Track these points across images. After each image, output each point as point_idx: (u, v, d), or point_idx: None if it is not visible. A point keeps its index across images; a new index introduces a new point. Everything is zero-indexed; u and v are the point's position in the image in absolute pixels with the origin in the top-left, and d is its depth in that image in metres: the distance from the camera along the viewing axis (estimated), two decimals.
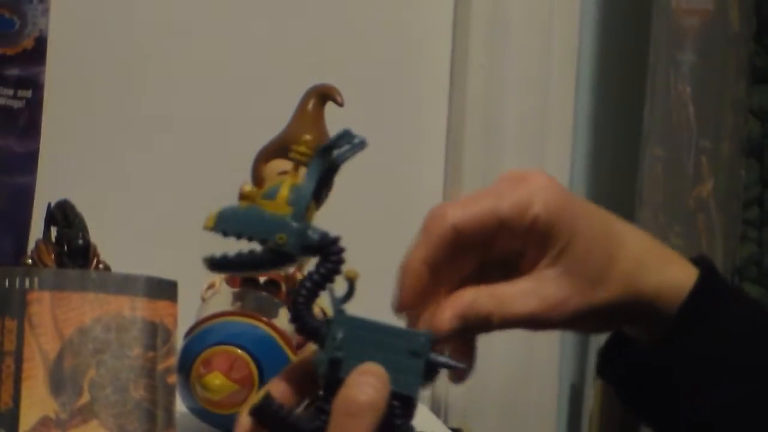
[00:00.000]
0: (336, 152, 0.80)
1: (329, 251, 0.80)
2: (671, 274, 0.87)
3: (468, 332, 0.82)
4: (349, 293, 0.79)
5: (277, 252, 0.81)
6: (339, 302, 0.80)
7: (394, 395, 0.79)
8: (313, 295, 0.80)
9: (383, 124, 1.61)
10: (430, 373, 0.81)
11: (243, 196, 0.84)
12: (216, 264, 0.82)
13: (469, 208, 0.81)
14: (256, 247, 0.83)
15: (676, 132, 1.50)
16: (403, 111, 1.64)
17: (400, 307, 0.82)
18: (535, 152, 1.59)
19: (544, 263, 0.83)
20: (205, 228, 0.83)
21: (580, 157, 1.66)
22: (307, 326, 0.80)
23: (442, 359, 0.81)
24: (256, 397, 0.81)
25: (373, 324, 0.81)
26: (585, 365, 1.65)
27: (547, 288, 0.83)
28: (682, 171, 1.48)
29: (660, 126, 1.53)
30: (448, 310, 0.81)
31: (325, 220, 0.88)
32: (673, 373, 0.89)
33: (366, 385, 0.78)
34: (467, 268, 0.83)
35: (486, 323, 0.81)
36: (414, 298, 0.82)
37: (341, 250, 0.80)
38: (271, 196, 0.80)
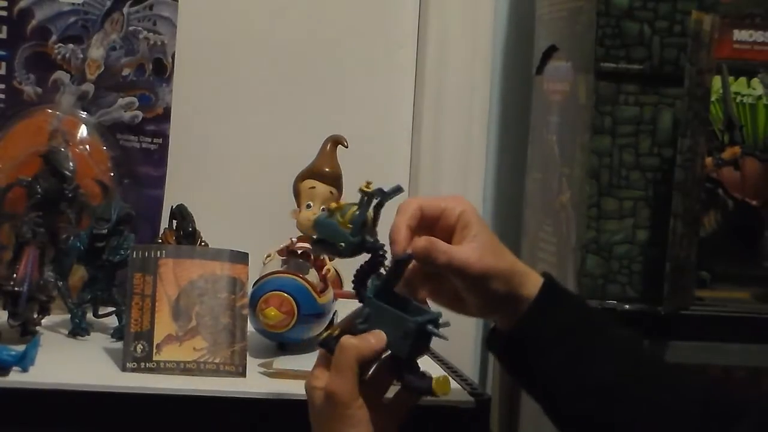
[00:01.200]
0: (379, 199, 1.07)
1: (376, 254, 1.07)
2: (533, 276, 1.10)
3: (427, 260, 1.05)
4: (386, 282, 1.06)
5: (336, 248, 1.08)
6: (373, 290, 1.06)
7: (392, 356, 1.05)
8: (364, 278, 1.07)
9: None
10: (418, 344, 1.04)
11: (329, 212, 1.10)
12: (312, 243, 1.13)
13: (427, 199, 1.10)
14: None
15: (547, 163, 1.70)
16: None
17: (398, 249, 1.06)
18: (464, 177, 1.85)
19: (467, 240, 1.08)
20: (309, 228, 1.16)
21: (490, 177, 1.90)
22: (360, 295, 1.06)
23: (428, 331, 1.05)
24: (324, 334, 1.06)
25: (388, 309, 1.04)
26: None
27: (472, 250, 1.08)
28: (551, 186, 1.66)
29: (538, 159, 1.76)
30: (421, 240, 1.06)
31: None
32: (526, 343, 1.09)
33: (370, 334, 1.06)
34: (422, 233, 1.08)
35: (437, 257, 1.05)
36: (404, 243, 1.06)
37: (384, 253, 1.06)
38: (343, 214, 1.08)
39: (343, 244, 1.07)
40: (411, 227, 1.07)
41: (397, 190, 1.07)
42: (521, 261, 1.11)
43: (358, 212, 1.06)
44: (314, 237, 1.11)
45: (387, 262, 1.07)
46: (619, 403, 1.07)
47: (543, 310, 1.09)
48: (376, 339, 1.05)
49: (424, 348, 1.06)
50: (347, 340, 1.04)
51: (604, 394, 1.07)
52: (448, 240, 1.08)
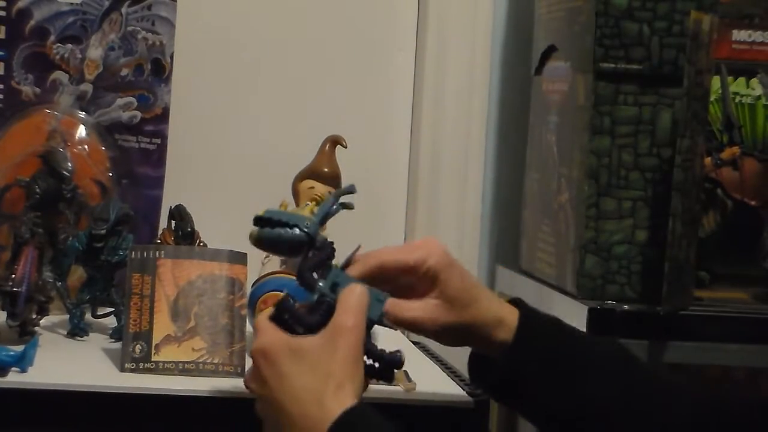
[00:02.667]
0: (337, 201, 1.10)
1: (327, 248, 1.09)
2: (506, 310, 1.12)
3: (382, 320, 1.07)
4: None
5: (303, 229, 1.07)
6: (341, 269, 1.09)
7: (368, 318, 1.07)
8: (312, 269, 1.08)
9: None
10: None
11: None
12: (261, 225, 1.09)
13: (391, 255, 1.10)
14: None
15: (546, 163, 1.68)
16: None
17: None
18: (464, 178, 1.84)
19: (430, 295, 1.09)
20: (258, 215, 1.07)
21: (489, 177, 1.88)
22: (308, 281, 1.08)
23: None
24: (275, 300, 1.08)
25: (356, 280, 1.08)
26: None
27: (429, 308, 1.09)
28: (550, 186, 1.65)
29: (537, 159, 1.74)
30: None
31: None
32: (515, 380, 1.11)
33: (360, 285, 1.06)
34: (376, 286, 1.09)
35: (390, 317, 1.09)
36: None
37: (333, 251, 1.09)
38: (302, 209, 1.15)
39: (308, 224, 1.07)
40: (364, 276, 1.09)
41: (349, 190, 1.10)
42: (494, 294, 1.14)
43: (321, 206, 1.11)
44: (262, 229, 1.09)
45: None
46: (614, 425, 1.08)
47: (524, 348, 1.10)
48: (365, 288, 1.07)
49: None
50: (358, 286, 1.05)
51: (600, 418, 1.09)
52: (413, 291, 1.10)
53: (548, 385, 1.09)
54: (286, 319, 1.04)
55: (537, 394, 1.10)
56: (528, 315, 1.12)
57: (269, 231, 1.07)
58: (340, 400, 0.98)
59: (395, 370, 1.08)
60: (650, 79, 1.51)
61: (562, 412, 1.09)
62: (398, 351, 1.07)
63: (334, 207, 1.10)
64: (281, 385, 1.00)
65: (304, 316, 1.04)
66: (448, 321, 1.09)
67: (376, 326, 1.10)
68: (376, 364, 1.07)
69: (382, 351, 1.07)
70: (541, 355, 1.10)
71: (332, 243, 1.08)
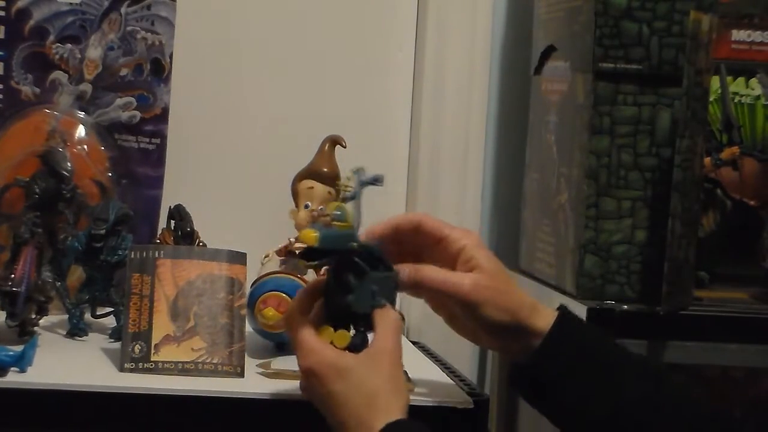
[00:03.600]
0: (362, 188, 1.11)
1: (375, 256, 1.10)
2: (538, 303, 1.13)
3: (414, 280, 1.10)
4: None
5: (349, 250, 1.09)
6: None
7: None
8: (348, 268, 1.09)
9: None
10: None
11: (323, 222, 1.18)
12: (312, 258, 1.11)
13: (433, 221, 1.12)
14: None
15: (546, 163, 1.68)
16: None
17: (370, 233, 1.10)
18: (463, 178, 1.84)
19: (467, 270, 1.10)
20: (312, 243, 1.07)
21: (488, 177, 1.88)
22: (345, 282, 1.09)
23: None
24: (342, 337, 1.09)
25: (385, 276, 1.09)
26: None
27: (467, 278, 1.11)
28: (549, 186, 1.65)
29: (536, 159, 1.74)
30: (407, 265, 1.11)
31: None
32: (542, 377, 1.12)
33: (392, 311, 1.09)
34: (412, 243, 1.12)
35: (423, 278, 1.10)
36: (379, 231, 1.10)
37: (383, 256, 1.10)
38: (342, 218, 1.11)
39: (355, 243, 1.08)
40: (398, 227, 1.11)
41: (378, 179, 1.11)
42: (526, 293, 1.14)
43: (354, 208, 1.10)
44: (326, 257, 1.10)
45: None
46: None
47: (558, 343, 1.10)
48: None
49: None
50: (395, 312, 1.07)
51: (621, 427, 1.09)
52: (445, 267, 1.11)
53: (575, 386, 1.10)
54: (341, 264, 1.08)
55: (570, 389, 1.10)
56: (567, 313, 1.13)
57: (323, 259, 1.11)
58: (387, 416, 1.02)
59: None
60: (649, 79, 1.51)
61: (584, 417, 1.09)
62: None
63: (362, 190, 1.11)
64: (333, 403, 1.04)
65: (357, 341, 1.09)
66: (487, 295, 1.09)
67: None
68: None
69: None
70: (574, 351, 1.11)
71: (380, 251, 1.09)
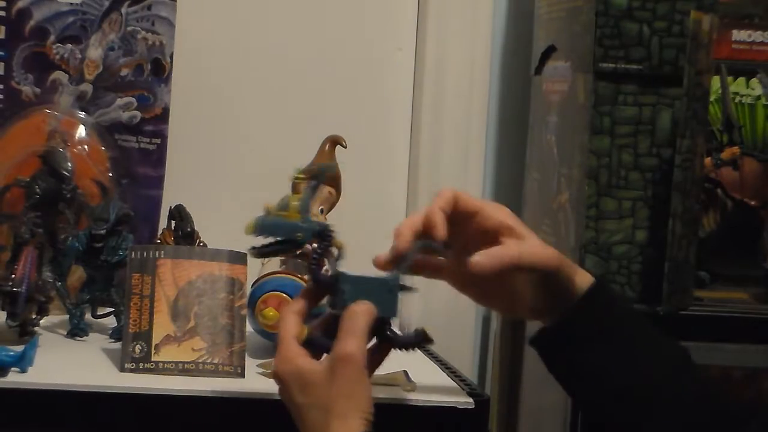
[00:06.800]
0: (316, 182, 1.11)
1: (325, 235, 1.08)
2: (581, 273, 1.12)
3: (493, 263, 1.06)
4: (339, 256, 1.08)
5: (296, 242, 1.12)
6: (335, 263, 1.07)
7: (382, 319, 1.06)
8: (319, 261, 1.06)
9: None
10: (398, 299, 1.06)
11: (266, 211, 1.12)
12: (258, 253, 1.14)
13: (466, 195, 1.10)
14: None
15: (546, 163, 1.69)
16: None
17: (437, 233, 1.06)
18: (464, 178, 1.83)
19: (524, 238, 1.09)
20: (248, 233, 1.09)
21: (489, 177, 1.88)
22: (320, 280, 1.06)
23: (404, 285, 1.07)
24: (303, 333, 1.05)
25: (364, 277, 1.06)
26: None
27: (539, 245, 1.10)
28: (549, 186, 1.66)
29: (536, 159, 1.75)
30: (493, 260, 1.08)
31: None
32: (567, 338, 1.11)
33: (362, 303, 1.05)
34: (452, 228, 1.08)
35: (515, 259, 1.07)
36: (441, 229, 1.06)
37: (332, 233, 1.07)
38: (285, 208, 1.13)
39: (300, 234, 1.10)
40: (446, 212, 1.07)
41: (329, 168, 1.13)
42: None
43: (302, 199, 1.12)
44: (268, 243, 1.11)
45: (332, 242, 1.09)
46: (649, 412, 1.07)
47: (589, 307, 1.09)
48: (367, 305, 1.06)
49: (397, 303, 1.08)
50: (358, 306, 1.04)
51: (636, 400, 1.08)
52: (482, 243, 1.09)
53: (598, 352, 1.10)
54: (311, 345, 1.06)
55: (584, 356, 1.10)
56: (602, 281, 1.12)
57: (267, 249, 1.12)
58: (343, 424, 1.00)
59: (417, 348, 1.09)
60: (650, 79, 1.51)
61: (600, 385, 1.09)
62: (420, 330, 1.08)
63: (314, 189, 1.14)
64: (297, 413, 1.05)
65: (322, 341, 1.06)
66: (554, 255, 1.09)
67: None
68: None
69: (408, 338, 1.07)
70: (603, 317, 1.10)
71: (327, 227, 1.08)
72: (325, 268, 1.07)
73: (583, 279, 1.12)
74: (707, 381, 1.13)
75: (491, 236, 1.09)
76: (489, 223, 1.09)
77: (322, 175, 1.16)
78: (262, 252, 1.14)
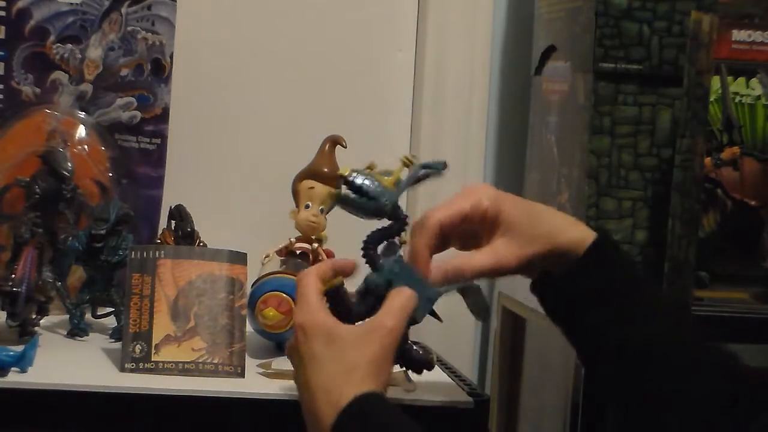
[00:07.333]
0: (425, 171, 1.09)
1: (399, 217, 1.08)
2: (578, 232, 1.09)
3: (453, 281, 1.07)
4: (400, 245, 1.08)
5: (381, 205, 1.07)
6: (397, 251, 1.08)
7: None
8: (378, 242, 1.07)
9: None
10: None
11: (369, 166, 1.07)
12: (347, 190, 1.07)
13: (446, 210, 1.08)
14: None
15: (546, 163, 1.70)
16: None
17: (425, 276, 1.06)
18: (464, 178, 1.82)
19: (495, 237, 1.07)
20: (344, 173, 1.06)
21: (489, 177, 1.88)
22: (370, 254, 1.07)
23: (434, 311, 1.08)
24: (329, 284, 1.05)
25: (415, 275, 1.06)
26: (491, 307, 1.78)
27: (500, 249, 1.08)
28: (550, 186, 1.67)
29: (537, 159, 1.75)
30: (440, 272, 1.08)
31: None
32: (577, 290, 1.10)
33: (414, 293, 1.05)
34: (443, 248, 1.09)
35: (461, 275, 1.07)
36: (426, 271, 1.07)
37: (407, 218, 1.08)
38: (386, 174, 1.08)
39: (387, 202, 1.07)
40: (431, 248, 1.07)
41: (442, 166, 1.09)
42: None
43: (407, 177, 1.08)
44: (348, 191, 1.08)
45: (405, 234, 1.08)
46: (653, 369, 1.06)
47: (590, 267, 1.08)
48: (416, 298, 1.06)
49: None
50: (412, 293, 1.04)
51: (640, 358, 1.07)
52: (478, 240, 1.09)
53: (601, 310, 1.09)
54: (334, 298, 1.05)
55: (588, 314, 1.09)
56: (605, 237, 1.10)
57: (353, 198, 1.07)
58: (360, 389, 1.00)
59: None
60: (650, 79, 1.52)
61: (605, 341, 1.08)
62: (429, 354, 1.08)
63: (422, 173, 1.10)
64: (312, 364, 1.02)
65: (350, 303, 1.05)
66: (525, 255, 1.07)
67: None
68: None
69: (416, 352, 1.08)
70: (606, 275, 1.09)
71: (406, 218, 1.08)
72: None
73: (580, 243, 1.10)
74: (706, 339, 1.13)
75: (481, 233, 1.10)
76: (476, 223, 1.09)
77: (438, 171, 1.11)
78: (348, 193, 1.09)
